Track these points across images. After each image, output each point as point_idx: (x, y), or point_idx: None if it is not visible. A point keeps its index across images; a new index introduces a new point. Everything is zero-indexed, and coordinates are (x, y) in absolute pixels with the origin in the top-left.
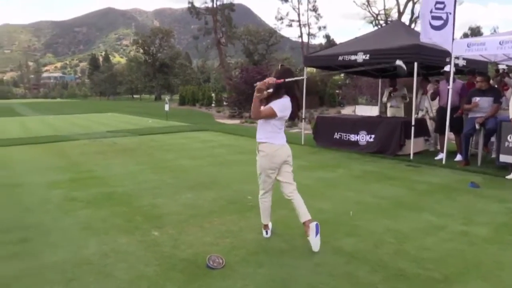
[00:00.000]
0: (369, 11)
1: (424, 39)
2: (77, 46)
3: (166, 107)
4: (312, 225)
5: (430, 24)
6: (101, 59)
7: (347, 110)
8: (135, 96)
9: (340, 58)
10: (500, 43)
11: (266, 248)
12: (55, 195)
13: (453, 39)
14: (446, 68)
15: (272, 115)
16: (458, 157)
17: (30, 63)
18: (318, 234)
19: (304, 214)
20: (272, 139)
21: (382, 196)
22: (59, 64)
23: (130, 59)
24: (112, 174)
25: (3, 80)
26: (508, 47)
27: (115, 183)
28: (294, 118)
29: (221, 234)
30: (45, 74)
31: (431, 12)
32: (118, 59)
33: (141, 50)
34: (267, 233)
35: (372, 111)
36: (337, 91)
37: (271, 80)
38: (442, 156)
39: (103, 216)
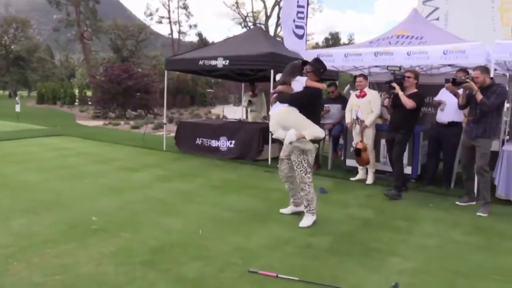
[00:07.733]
0: (238, 13)
1: (289, 47)
2: None
3: (17, 108)
4: None
5: (294, 33)
6: None
7: (217, 110)
8: None
9: (201, 62)
10: (345, 55)
11: (100, 284)
12: None
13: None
14: None
15: None
16: None
17: None
18: None
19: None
20: None
21: (237, 209)
22: None
23: None
24: None
25: None
26: (352, 59)
27: None
28: None
29: (52, 270)
30: None
31: (294, 21)
32: None
33: None
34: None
35: (239, 112)
36: (208, 90)
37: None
38: None
39: None
